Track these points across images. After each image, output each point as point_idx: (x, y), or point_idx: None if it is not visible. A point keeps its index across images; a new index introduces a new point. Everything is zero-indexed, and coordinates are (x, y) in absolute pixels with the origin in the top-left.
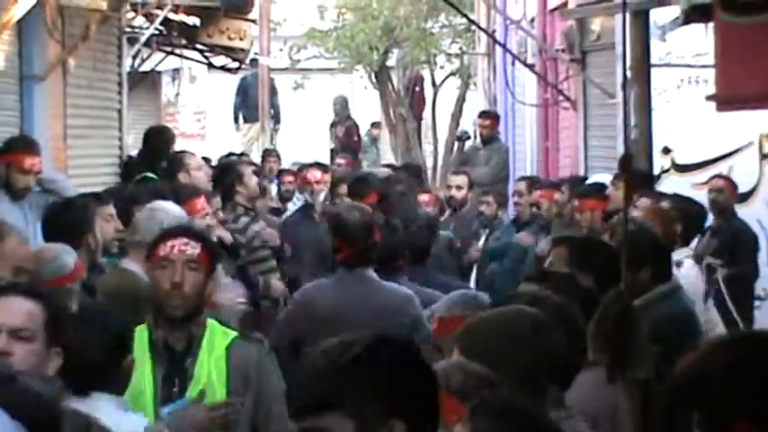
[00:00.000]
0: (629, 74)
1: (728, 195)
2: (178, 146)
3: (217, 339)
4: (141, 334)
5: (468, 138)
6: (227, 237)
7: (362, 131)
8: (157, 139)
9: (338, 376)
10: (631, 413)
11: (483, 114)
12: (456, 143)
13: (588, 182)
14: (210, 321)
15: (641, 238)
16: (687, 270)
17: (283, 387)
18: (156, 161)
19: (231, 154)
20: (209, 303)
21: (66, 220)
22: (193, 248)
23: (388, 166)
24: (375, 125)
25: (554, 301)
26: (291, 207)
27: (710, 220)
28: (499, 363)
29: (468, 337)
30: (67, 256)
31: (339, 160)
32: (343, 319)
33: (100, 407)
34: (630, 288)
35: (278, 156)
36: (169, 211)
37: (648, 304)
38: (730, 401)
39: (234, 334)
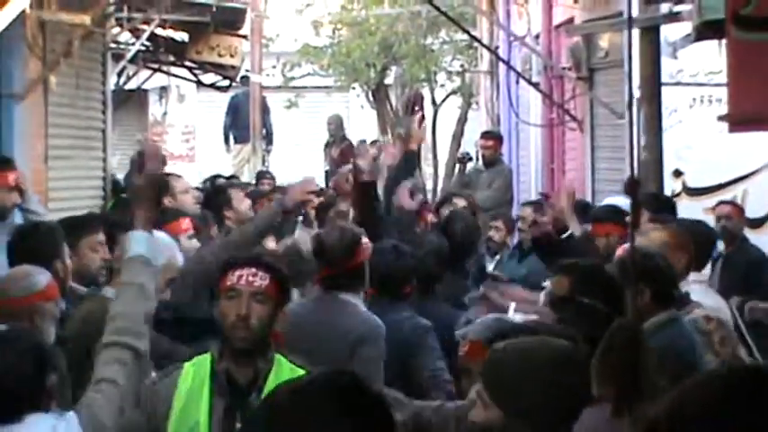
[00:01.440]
0: (636, 92)
1: (737, 221)
2: (166, 168)
3: (284, 375)
4: (203, 366)
5: (470, 159)
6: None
7: None
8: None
9: (280, 416)
10: None
11: (485, 135)
12: (457, 165)
13: (603, 204)
14: (278, 357)
15: (637, 262)
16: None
17: None
18: None
19: (218, 176)
20: (276, 337)
21: (32, 244)
22: (262, 279)
23: None
24: (373, 143)
25: (566, 332)
26: None
27: (720, 247)
28: (516, 398)
29: (488, 370)
30: (40, 276)
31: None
32: (309, 341)
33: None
34: (637, 315)
35: (272, 178)
36: (159, 240)
37: (647, 334)
38: None
39: (302, 371)
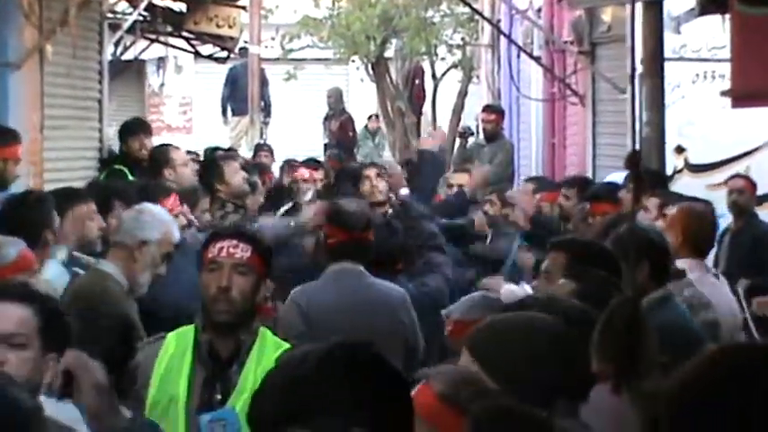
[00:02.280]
0: (639, 67)
1: (749, 196)
2: (164, 139)
3: (267, 349)
4: (186, 336)
5: (472, 134)
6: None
7: (358, 126)
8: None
9: (301, 389)
10: (638, 427)
11: (487, 109)
12: (458, 139)
13: (602, 182)
14: (263, 330)
15: (634, 237)
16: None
17: None
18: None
19: (217, 149)
20: (263, 310)
21: (21, 214)
22: (243, 251)
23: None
24: (371, 118)
25: (567, 304)
26: None
27: (729, 221)
28: (511, 374)
29: (479, 344)
30: (10, 248)
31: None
32: (340, 319)
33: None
34: (637, 292)
35: (270, 150)
36: (155, 214)
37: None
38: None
39: (286, 345)
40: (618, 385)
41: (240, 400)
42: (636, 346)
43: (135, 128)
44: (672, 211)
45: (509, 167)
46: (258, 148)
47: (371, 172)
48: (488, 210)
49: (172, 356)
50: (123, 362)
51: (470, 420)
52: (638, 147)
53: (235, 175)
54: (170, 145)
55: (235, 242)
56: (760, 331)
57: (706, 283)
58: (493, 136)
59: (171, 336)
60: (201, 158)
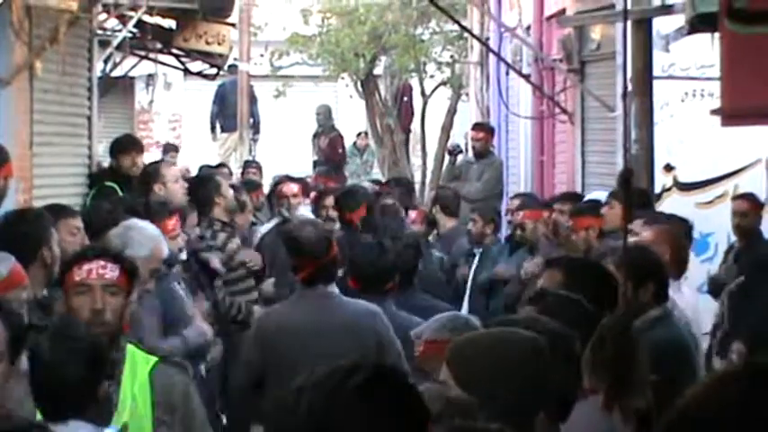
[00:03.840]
0: (629, 85)
1: (752, 217)
2: (153, 156)
3: (138, 365)
4: None
5: (461, 152)
6: (215, 262)
7: (347, 143)
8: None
9: (319, 414)
10: None
11: (477, 127)
12: (447, 157)
13: (585, 200)
14: (130, 347)
15: (644, 257)
16: (689, 296)
17: (205, 413)
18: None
19: (206, 166)
20: (126, 326)
21: (18, 231)
22: (112, 271)
23: (376, 182)
24: (360, 135)
25: (550, 325)
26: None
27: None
28: (487, 389)
29: (457, 359)
30: (0, 265)
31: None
32: (306, 340)
33: None
34: (630, 311)
35: (259, 167)
36: (143, 230)
37: (642, 329)
38: None
39: (154, 359)
40: (609, 402)
41: (121, 420)
42: (627, 364)
43: (127, 145)
44: (649, 230)
45: (498, 185)
46: (247, 165)
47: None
48: (471, 228)
49: None
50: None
51: None
52: (627, 163)
53: (229, 191)
54: (162, 161)
55: (103, 263)
56: None
57: (684, 298)
58: (482, 153)
59: None
60: (190, 175)
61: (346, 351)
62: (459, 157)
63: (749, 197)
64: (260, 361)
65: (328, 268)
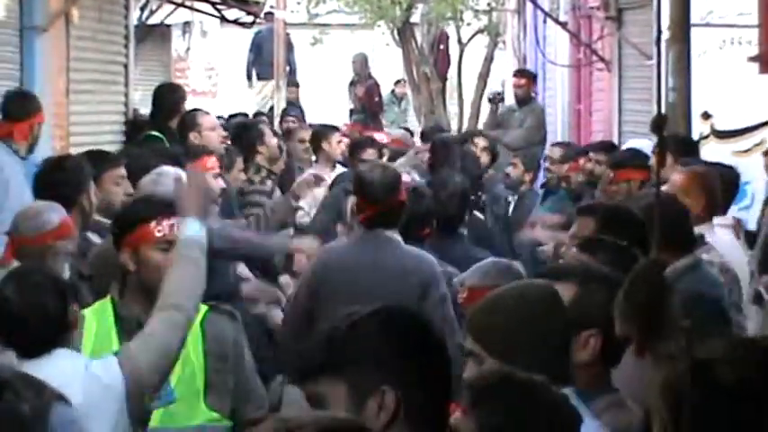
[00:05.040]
0: (666, 33)
1: None
2: (189, 104)
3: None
4: (104, 312)
5: (502, 99)
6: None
7: (384, 91)
8: (168, 96)
9: (335, 342)
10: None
11: (518, 73)
12: (489, 105)
13: (625, 148)
14: None
15: (666, 206)
16: (722, 239)
17: (253, 360)
18: (166, 120)
19: (239, 114)
20: None
21: (58, 178)
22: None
23: (406, 129)
24: (399, 83)
25: (602, 272)
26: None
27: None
28: (520, 352)
29: (481, 330)
30: (52, 213)
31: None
32: (356, 281)
33: (59, 363)
34: (660, 257)
35: (298, 117)
36: (175, 176)
37: (671, 279)
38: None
39: (205, 307)
40: (642, 347)
41: (175, 373)
42: (659, 309)
43: (169, 94)
44: (679, 175)
45: (540, 131)
46: (285, 113)
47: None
48: (511, 172)
49: (96, 336)
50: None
51: (467, 392)
52: (663, 110)
53: (272, 139)
54: (198, 110)
55: (177, 218)
56: None
57: (723, 241)
58: (524, 100)
59: (88, 313)
60: (224, 124)
61: (392, 293)
62: (501, 105)
63: None
64: (307, 297)
65: (390, 213)
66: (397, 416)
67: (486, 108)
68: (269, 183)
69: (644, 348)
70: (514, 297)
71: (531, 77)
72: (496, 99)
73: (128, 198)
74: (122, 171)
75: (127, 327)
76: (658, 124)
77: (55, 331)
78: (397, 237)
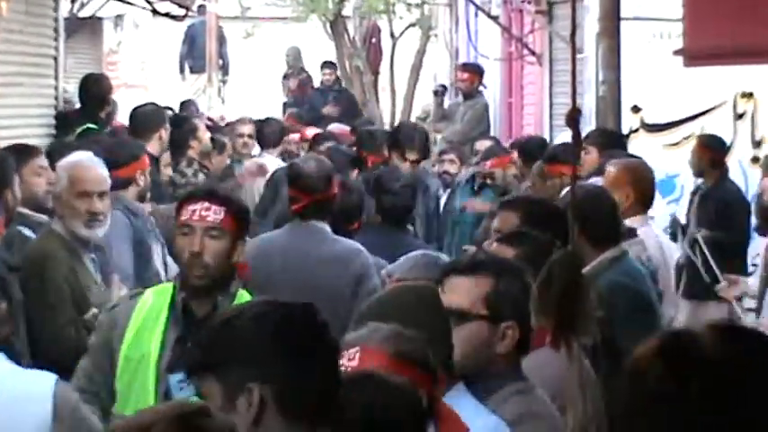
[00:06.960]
0: (596, 27)
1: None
2: (121, 96)
3: None
4: (164, 294)
5: (445, 91)
6: None
7: (316, 84)
8: (96, 88)
9: (209, 341)
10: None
11: (461, 67)
12: (433, 97)
13: (555, 141)
14: (241, 292)
15: (588, 199)
16: (646, 236)
17: None
18: (97, 111)
19: (168, 108)
20: (243, 269)
21: None
22: (216, 214)
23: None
24: (325, 66)
25: (518, 265)
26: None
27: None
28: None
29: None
30: None
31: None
32: (289, 270)
33: None
34: (576, 250)
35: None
36: (91, 165)
37: (597, 270)
38: None
39: None
40: (556, 340)
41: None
42: (574, 302)
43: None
44: (612, 169)
45: (479, 125)
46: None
47: None
48: (448, 168)
49: (148, 313)
50: None
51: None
52: (593, 107)
53: (205, 134)
54: (192, 117)
55: (207, 204)
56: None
57: (650, 236)
58: (469, 95)
59: (149, 292)
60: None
61: (326, 283)
62: (444, 99)
63: None
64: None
65: (324, 204)
66: (263, 413)
67: (418, 101)
68: (200, 176)
69: (559, 340)
70: (399, 297)
71: (477, 72)
72: (440, 92)
73: (50, 187)
74: (42, 161)
75: (176, 313)
76: (572, 117)
77: None
78: (327, 228)
